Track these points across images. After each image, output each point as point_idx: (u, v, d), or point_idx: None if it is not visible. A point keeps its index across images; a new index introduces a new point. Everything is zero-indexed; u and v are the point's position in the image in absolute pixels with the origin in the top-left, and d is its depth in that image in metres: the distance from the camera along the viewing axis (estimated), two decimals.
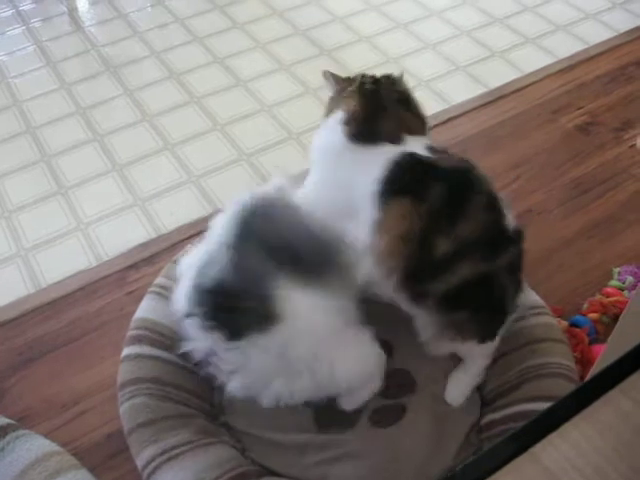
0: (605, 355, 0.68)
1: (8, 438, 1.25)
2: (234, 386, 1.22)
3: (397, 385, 1.35)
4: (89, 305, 1.71)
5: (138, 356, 1.34)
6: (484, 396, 1.39)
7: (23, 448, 1.23)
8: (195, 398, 1.33)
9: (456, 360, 1.36)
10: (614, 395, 0.50)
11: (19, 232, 1.91)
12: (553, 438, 0.48)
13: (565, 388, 1.29)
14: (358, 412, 1.31)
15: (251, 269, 1.16)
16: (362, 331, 1.24)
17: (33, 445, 1.24)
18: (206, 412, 1.33)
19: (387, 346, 1.35)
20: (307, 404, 1.31)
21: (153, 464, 1.21)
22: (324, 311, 1.16)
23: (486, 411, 1.36)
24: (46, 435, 1.33)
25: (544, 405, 1.24)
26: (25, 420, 1.46)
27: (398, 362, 1.38)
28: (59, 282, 1.78)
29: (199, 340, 1.22)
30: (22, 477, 1.18)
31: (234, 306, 1.15)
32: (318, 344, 1.17)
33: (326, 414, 1.31)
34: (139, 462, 1.23)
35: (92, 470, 1.27)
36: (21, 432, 1.27)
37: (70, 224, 1.92)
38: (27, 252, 1.85)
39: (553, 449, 0.47)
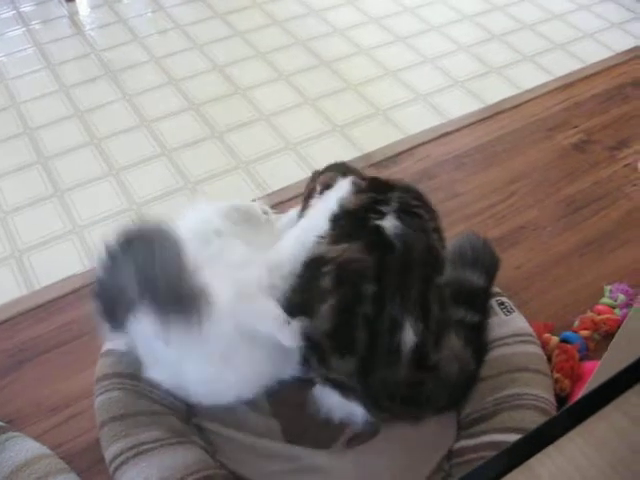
0: (599, 371, 0.68)
1: None
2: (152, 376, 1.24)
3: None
4: (82, 308, 1.70)
5: (117, 352, 1.35)
6: (460, 420, 1.37)
7: (13, 450, 1.23)
8: (170, 397, 1.32)
9: None
10: (609, 411, 0.51)
11: (14, 233, 1.90)
12: (549, 451, 0.48)
13: (540, 421, 1.26)
14: (335, 436, 1.31)
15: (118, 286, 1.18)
16: None
17: (23, 447, 1.25)
18: (180, 412, 1.33)
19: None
20: (274, 414, 1.32)
21: (120, 458, 1.21)
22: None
23: (460, 437, 1.34)
24: (36, 438, 1.33)
25: (516, 437, 1.24)
26: (15, 422, 1.45)
27: None
28: (52, 284, 1.78)
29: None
30: (11, 479, 1.18)
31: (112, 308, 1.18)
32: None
33: (295, 429, 1.31)
34: (107, 455, 1.23)
35: (81, 474, 1.27)
36: (11, 434, 1.27)
37: (65, 227, 1.92)
38: (21, 254, 1.85)
39: (550, 462, 0.48)
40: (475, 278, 1.43)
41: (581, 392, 1.38)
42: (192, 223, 1.33)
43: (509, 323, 1.46)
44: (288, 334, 1.18)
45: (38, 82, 2.43)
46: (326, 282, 1.16)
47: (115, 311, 1.17)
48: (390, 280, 1.15)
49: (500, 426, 1.28)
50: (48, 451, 1.27)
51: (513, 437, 1.24)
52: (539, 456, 0.48)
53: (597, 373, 0.68)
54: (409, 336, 1.14)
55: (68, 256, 1.85)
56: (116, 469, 1.21)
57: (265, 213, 1.45)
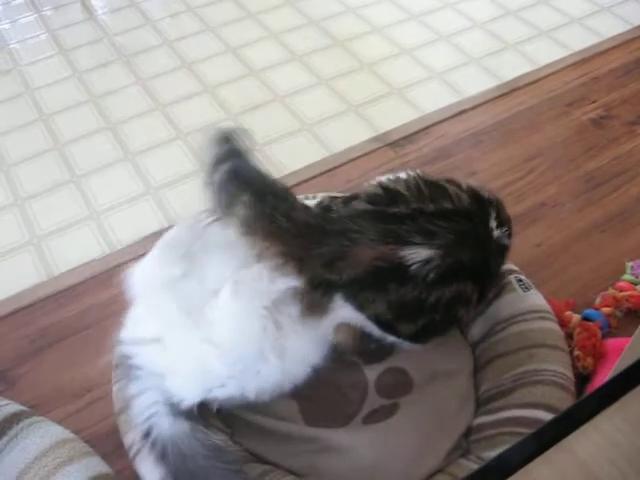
0: (632, 348, 0.68)
1: (21, 425, 1.25)
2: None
3: (393, 384, 1.35)
4: (102, 293, 1.71)
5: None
6: (478, 397, 1.37)
7: (36, 435, 1.24)
8: None
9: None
10: None
11: (32, 220, 1.91)
12: (586, 429, 0.48)
13: (559, 397, 1.27)
14: (354, 412, 1.32)
15: None
16: None
17: (46, 432, 1.25)
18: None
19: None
20: (293, 396, 1.32)
21: (139, 445, 1.21)
22: None
23: (478, 413, 1.35)
24: (59, 422, 1.33)
25: (536, 412, 1.24)
26: (37, 408, 1.45)
27: (395, 360, 1.38)
28: (72, 270, 1.78)
29: None
30: (35, 463, 1.19)
31: None
32: None
33: (313, 409, 1.32)
34: (126, 442, 1.24)
35: (105, 457, 1.27)
36: (34, 419, 1.28)
37: (83, 212, 1.93)
38: (40, 240, 1.86)
39: (586, 440, 0.47)
40: None
41: (609, 369, 1.37)
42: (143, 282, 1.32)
43: (527, 299, 1.45)
44: None
45: (51, 68, 2.42)
46: None
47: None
48: None
49: (519, 402, 1.28)
50: (72, 435, 1.27)
51: (532, 412, 1.24)
52: (576, 434, 0.47)
53: (629, 349, 0.67)
54: None
55: (86, 241, 1.85)
56: (135, 455, 1.22)
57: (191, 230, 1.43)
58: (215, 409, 1.28)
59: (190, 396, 1.21)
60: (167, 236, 1.38)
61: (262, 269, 1.18)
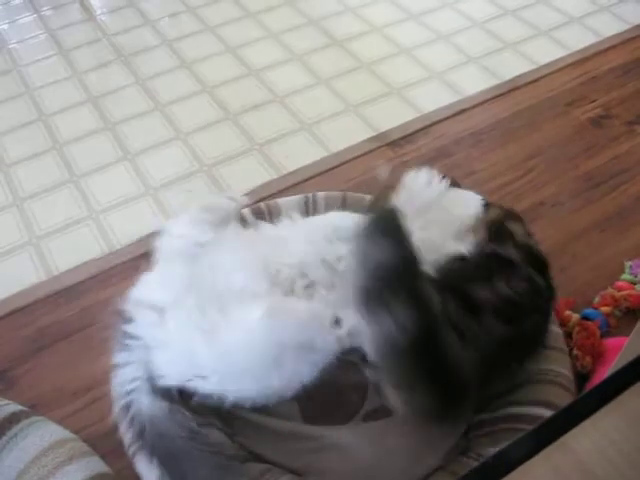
0: (630, 346, 0.68)
1: (21, 425, 1.25)
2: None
3: None
4: (101, 293, 1.71)
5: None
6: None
7: (36, 435, 1.24)
8: None
9: None
10: None
11: (31, 220, 1.91)
12: (585, 427, 0.48)
13: (561, 396, 1.27)
14: (354, 412, 1.32)
15: None
16: None
17: (46, 432, 1.25)
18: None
19: None
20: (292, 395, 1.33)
21: (139, 443, 1.21)
22: None
23: (478, 410, 1.34)
24: (59, 422, 1.33)
25: (536, 410, 1.24)
26: (37, 408, 1.45)
27: None
28: (71, 270, 1.78)
29: None
30: (35, 463, 1.19)
31: None
32: None
33: (313, 408, 1.32)
34: (126, 440, 1.24)
35: (104, 457, 1.27)
36: (34, 419, 1.28)
37: (82, 212, 1.93)
38: (39, 240, 1.86)
39: (584, 438, 0.47)
40: None
41: (607, 368, 1.37)
42: (170, 243, 1.31)
43: None
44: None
45: (51, 68, 2.42)
46: None
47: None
48: None
49: (519, 399, 1.28)
50: (71, 435, 1.27)
51: (533, 410, 1.24)
52: (574, 432, 0.47)
53: (627, 347, 0.67)
54: None
55: (86, 241, 1.85)
56: (134, 453, 1.22)
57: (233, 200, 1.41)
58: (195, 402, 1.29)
59: (171, 376, 1.21)
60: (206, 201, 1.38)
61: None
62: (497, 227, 1.34)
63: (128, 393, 1.22)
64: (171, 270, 1.28)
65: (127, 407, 1.21)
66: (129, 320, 1.27)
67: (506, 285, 1.21)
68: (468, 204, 1.42)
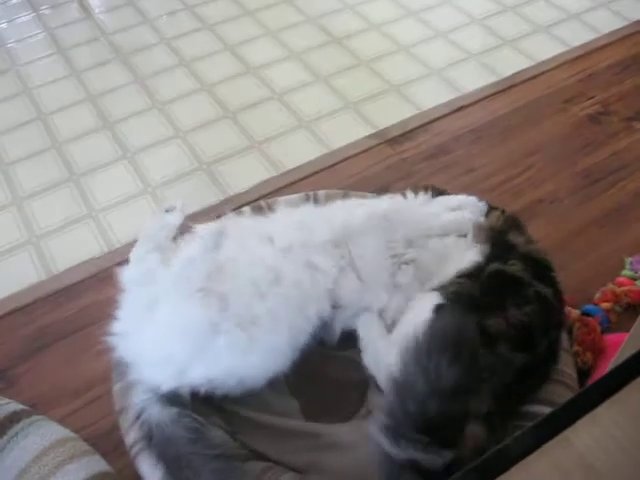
0: (630, 341, 0.68)
1: (22, 424, 1.25)
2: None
3: None
4: (101, 292, 1.71)
5: None
6: None
7: (37, 434, 1.23)
8: None
9: None
10: None
11: (30, 219, 1.91)
12: (585, 422, 0.48)
13: (564, 395, 1.27)
14: (355, 410, 1.32)
15: None
16: None
17: (47, 431, 1.25)
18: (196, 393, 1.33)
19: None
20: (293, 393, 1.33)
21: (141, 444, 1.21)
22: None
23: None
24: (59, 421, 1.33)
25: (539, 408, 1.24)
26: (38, 407, 1.45)
27: None
28: (71, 269, 1.79)
29: None
30: (36, 462, 1.19)
31: None
32: None
33: (314, 406, 1.32)
34: (127, 441, 1.24)
35: (105, 455, 1.27)
36: (35, 418, 1.27)
37: (81, 211, 1.93)
38: (39, 239, 1.86)
39: (585, 433, 0.47)
40: None
41: (608, 364, 1.37)
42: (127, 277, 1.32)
43: None
44: None
45: (49, 67, 2.42)
46: None
47: None
48: None
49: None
50: (72, 434, 1.27)
51: (539, 408, 1.24)
52: (574, 427, 0.47)
53: (627, 343, 0.67)
54: None
55: (85, 240, 1.85)
56: (137, 454, 1.22)
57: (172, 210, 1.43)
58: (211, 398, 1.29)
59: (165, 380, 1.22)
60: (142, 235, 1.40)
61: None
62: (499, 240, 1.33)
63: (140, 403, 1.23)
64: (124, 298, 1.30)
65: (138, 416, 1.22)
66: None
67: (518, 310, 1.21)
68: (469, 210, 1.43)
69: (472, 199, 1.47)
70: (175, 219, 1.38)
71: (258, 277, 1.26)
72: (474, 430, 1.11)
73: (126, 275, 1.32)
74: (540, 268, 1.31)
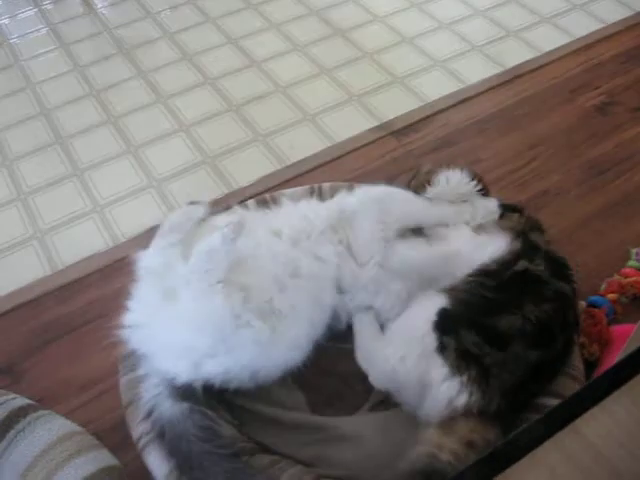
0: (639, 331, 0.67)
1: (29, 418, 1.25)
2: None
3: None
4: (106, 287, 1.71)
5: None
6: None
7: (44, 428, 1.23)
8: None
9: None
10: None
11: (35, 214, 1.91)
12: (595, 412, 0.47)
13: (571, 387, 1.26)
14: (360, 403, 1.31)
15: None
16: None
17: (54, 425, 1.25)
18: (204, 387, 1.33)
19: None
20: (299, 387, 1.33)
21: (147, 437, 1.21)
22: None
23: None
24: (66, 415, 1.33)
25: (547, 400, 1.23)
26: (44, 401, 1.46)
27: None
28: (76, 264, 1.79)
29: None
30: (43, 457, 1.19)
31: None
32: None
33: (319, 399, 1.32)
34: (134, 435, 1.24)
35: (112, 450, 1.27)
36: (41, 412, 1.27)
37: (86, 206, 1.92)
38: (43, 234, 1.86)
39: (595, 423, 0.47)
40: None
41: (615, 355, 1.36)
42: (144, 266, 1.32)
43: None
44: None
45: (52, 62, 2.42)
46: None
47: None
48: None
49: None
50: (79, 428, 1.27)
51: (544, 400, 1.24)
52: (585, 417, 0.47)
53: (636, 333, 0.66)
54: None
55: (90, 235, 1.85)
56: (144, 448, 1.22)
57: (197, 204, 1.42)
58: (218, 391, 1.29)
59: (181, 373, 1.21)
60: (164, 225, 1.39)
61: None
62: (525, 239, 1.33)
63: (151, 399, 1.22)
64: (139, 288, 1.29)
65: (149, 413, 1.22)
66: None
67: (536, 308, 1.21)
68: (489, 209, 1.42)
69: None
70: (199, 211, 1.37)
71: (278, 270, 1.26)
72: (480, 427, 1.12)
73: (145, 262, 1.30)
74: (559, 266, 1.30)
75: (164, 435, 1.19)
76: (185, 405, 1.20)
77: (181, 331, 1.21)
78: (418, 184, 1.46)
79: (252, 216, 1.40)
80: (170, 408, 1.20)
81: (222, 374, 1.23)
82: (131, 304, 1.28)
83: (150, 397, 1.23)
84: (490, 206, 1.42)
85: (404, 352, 1.21)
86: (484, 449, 1.02)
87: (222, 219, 1.33)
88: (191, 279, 1.22)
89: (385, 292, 1.35)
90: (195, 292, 1.21)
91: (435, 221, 1.41)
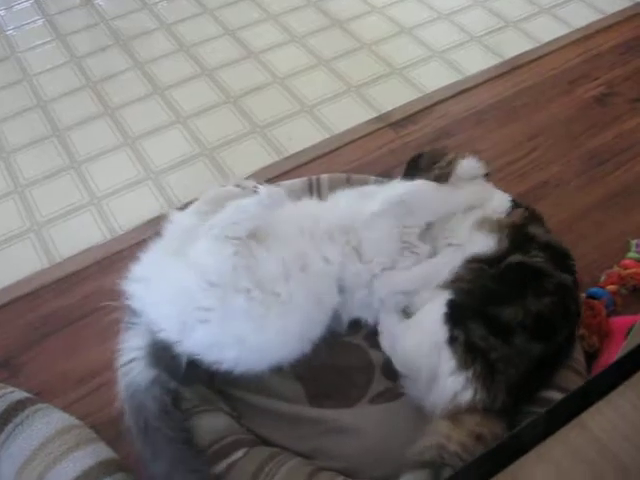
0: None
1: (27, 412, 1.25)
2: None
3: None
4: (104, 279, 1.70)
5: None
6: None
7: (42, 422, 1.23)
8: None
9: None
10: None
11: (32, 207, 1.90)
12: (600, 406, 0.47)
13: (573, 380, 1.27)
14: (360, 395, 1.31)
15: None
16: None
17: (52, 419, 1.24)
18: (204, 379, 1.33)
19: None
20: (297, 378, 1.32)
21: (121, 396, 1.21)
22: None
23: None
24: (64, 409, 1.33)
25: (550, 393, 1.23)
26: (42, 395, 1.45)
27: None
28: (73, 256, 1.78)
29: None
30: (41, 450, 1.18)
31: None
32: None
33: (318, 391, 1.31)
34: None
35: (110, 443, 1.27)
36: (39, 406, 1.27)
37: (83, 198, 1.92)
38: (41, 227, 1.85)
39: (601, 416, 0.47)
40: None
41: (614, 347, 1.36)
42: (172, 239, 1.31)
43: None
44: None
45: (49, 54, 2.41)
46: None
47: None
48: None
49: None
50: (77, 421, 1.27)
51: (546, 393, 1.23)
52: (590, 411, 0.46)
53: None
54: None
55: (87, 228, 1.85)
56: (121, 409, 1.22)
57: (244, 188, 1.41)
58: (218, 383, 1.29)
59: (169, 326, 1.20)
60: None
61: None
62: (520, 233, 1.33)
63: (127, 363, 1.22)
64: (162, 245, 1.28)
65: (124, 375, 1.22)
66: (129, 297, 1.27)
67: (538, 300, 1.21)
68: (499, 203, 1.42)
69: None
70: (241, 193, 1.36)
71: (289, 259, 1.25)
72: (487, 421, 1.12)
73: (178, 218, 1.30)
74: (560, 256, 1.30)
75: (127, 402, 1.19)
76: (152, 373, 1.19)
77: (182, 277, 1.20)
78: (441, 174, 1.45)
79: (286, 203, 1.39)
80: (138, 375, 1.20)
81: (209, 348, 1.22)
82: (143, 256, 1.27)
83: (127, 360, 1.22)
84: (504, 200, 1.42)
85: (421, 338, 1.23)
86: (492, 442, 1.02)
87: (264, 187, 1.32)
88: (213, 228, 1.21)
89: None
90: (210, 240, 1.20)
91: (456, 211, 1.41)
